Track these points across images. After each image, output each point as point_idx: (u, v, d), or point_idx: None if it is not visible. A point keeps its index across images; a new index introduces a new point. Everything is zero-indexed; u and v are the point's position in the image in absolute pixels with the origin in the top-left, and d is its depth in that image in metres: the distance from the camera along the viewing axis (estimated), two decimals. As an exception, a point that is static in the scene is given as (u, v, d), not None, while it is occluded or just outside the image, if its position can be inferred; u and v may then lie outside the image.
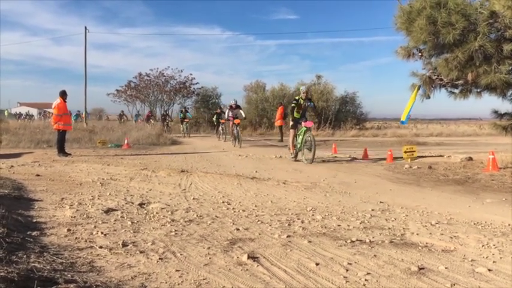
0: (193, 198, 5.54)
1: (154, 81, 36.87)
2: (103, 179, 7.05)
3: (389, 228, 4.11)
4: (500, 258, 3.22)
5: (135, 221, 4.23)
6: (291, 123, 11.16)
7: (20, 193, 5.44)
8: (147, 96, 37.42)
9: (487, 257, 3.24)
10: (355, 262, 3.09)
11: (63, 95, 11.84)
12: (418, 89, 9.07)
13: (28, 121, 35.81)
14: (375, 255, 3.25)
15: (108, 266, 2.91)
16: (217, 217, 4.50)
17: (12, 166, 8.60)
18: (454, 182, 7.22)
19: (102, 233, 3.74)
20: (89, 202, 5.09)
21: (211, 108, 33.81)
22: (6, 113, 51.02)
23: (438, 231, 4.00)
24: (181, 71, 36.91)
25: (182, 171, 8.21)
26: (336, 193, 6.19)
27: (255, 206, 5.14)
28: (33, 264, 2.70)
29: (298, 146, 10.80)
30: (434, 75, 8.55)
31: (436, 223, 4.33)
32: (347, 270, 2.91)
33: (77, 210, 4.62)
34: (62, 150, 11.44)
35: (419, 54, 8.52)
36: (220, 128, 20.91)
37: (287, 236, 3.75)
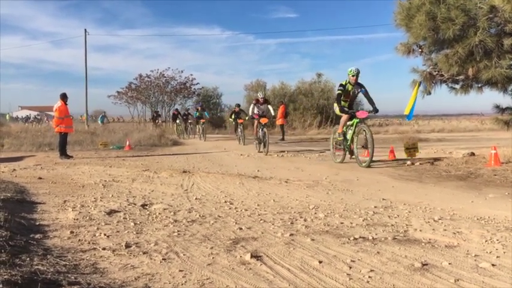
0: (196, 199, 5.55)
1: (155, 83, 36.83)
2: (105, 180, 7.05)
3: (392, 225, 4.10)
4: (504, 253, 3.21)
5: (138, 222, 4.23)
6: (340, 114, 9.20)
7: (22, 196, 5.45)
8: (148, 97, 37.40)
9: (490, 252, 3.23)
10: (359, 259, 3.09)
11: (64, 97, 11.86)
12: (419, 85, 9.05)
13: (37, 124, 35.37)
14: (378, 252, 3.25)
15: (112, 268, 2.91)
16: (219, 217, 4.50)
17: (14, 169, 8.62)
18: (457, 178, 7.20)
19: (105, 234, 3.74)
20: (92, 204, 5.09)
21: (211, 108, 33.80)
22: (7, 117, 51.10)
23: (441, 227, 4.00)
24: (182, 72, 36.88)
25: (184, 171, 8.22)
26: (338, 191, 6.19)
27: (258, 205, 5.14)
28: (37, 266, 2.70)
29: (347, 144, 9.09)
30: (435, 71, 8.54)
31: (439, 219, 4.32)
32: (350, 268, 2.91)
33: (80, 212, 4.63)
34: (63, 153, 11.46)
35: (420, 50, 8.51)
36: (238, 130, 17.75)
37: (290, 235, 3.75)
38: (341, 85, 8.98)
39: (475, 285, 2.59)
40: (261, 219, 4.37)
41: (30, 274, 2.52)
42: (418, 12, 7.35)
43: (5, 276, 2.36)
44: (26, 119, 48.87)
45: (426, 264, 2.96)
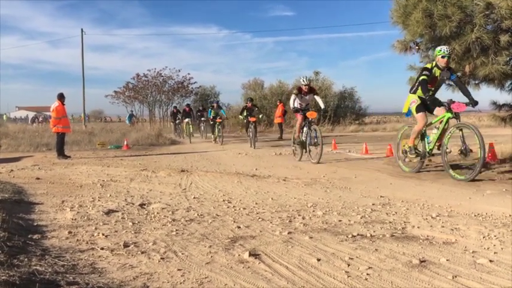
0: (194, 198, 5.54)
1: (152, 82, 36.85)
2: (103, 180, 7.05)
3: (390, 222, 4.11)
4: (502, 249, 3.22)
5: (136, 222, 4.23)
6: (418, 103, 7.12)
7: (20, 197, 5.44)
8: (145, 96, 37.40)
9: (488, 248, 3.24)
10: (357, 257, 3.09)
11: (61, 97, 11.85)
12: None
13: (46, 125, 34.71)
14: (376, 250, 3.25)
15: (110, 267, 2.91)
16: (218, 215, 4.50)
17: (12, 170, 8.60)
18: (454, 175, 7.20)
19: (103, 234, 3.74)
20: (90, 204, 5.09)
21: (208, 107, 33.79)
22: (4, 117, 50.92)
23: (439, 224, 4.01)
24: (179, 71, 37.05)
25: (182, 170, 8.21)
26: (336, 188, 6.19)
27: (256, 203, 5.14)
28: (35, 267, 2.70)
29: (430, 146, 7.19)
30: (432, 68, 8.52)
31: (437, 216, 4.33)
32: (348, 265, 2.92)
33: (78, 212, 4.62)
34: (61, 153, 11.45)
35: (417, 47, 8.50)
36: (250, 130, 15.16)
37: (288, 233, 3.75)
38: (426, 69, 6.99)
39: (473, 282, 2.60)
40: (259, 218, 4.37)
41: (28, 275, 2.52)
42: (415, 9, 7.35)
43: (3, 277, 2.35)
44: (34, 119, 47.78)
45: (424, 261, 2.96)
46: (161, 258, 3.09)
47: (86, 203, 5.13)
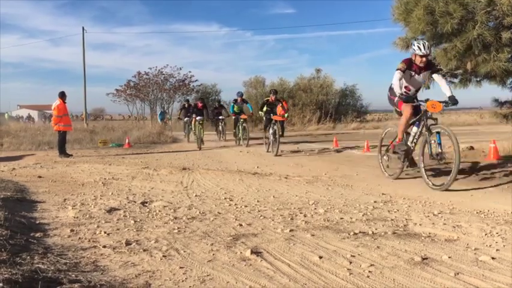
0: (196, 196, 5.55)
1: (154, 80, 36.81)
2: (105, 178, 7.05)
3: (392, 220, 4.11)
4: (504, 246, 3.22)
5: (138, 220, 4.23)
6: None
7: (22, 195, 5.45)
8: (146, 95, 37.38)
9: (490, 246, 3.24)
10: (359, 254, 3.10)
11: (63, 96, 11.85)
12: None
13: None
14: (378, 247, 3.25)
15: (112, 265, 2.91)
16: (219, 213, 4.51)
17: (14, 168, 8.61)
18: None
19: (105, 232, 3.74)
20: (92, 202, 5.10)
21: (211, 105, 33.77)
22: (6, 116, 50.96)
23: (441, 221, 4.00)
24: (180, 69, 36.81)
25: (184, 168, 8.22)
26: (338, 186, 6.19)
27: (257, 201, 5.15)
28: (37, 265, 2.71)
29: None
30: (434, 66, 8.50)
31: (439, 213, 4.33)
32: (350, 263, 2.92)
33: (80, 210, 4.63)
34: (63, 151, 11.46)
35: (418, 44, 8.47)
36: (271, 130, 11.56)
37: (290, 230, 3.76)
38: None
39: (475, 279, 2.59)
40: (261, 216, 4.37)
41: (31, 273, 2.53)
42: (416, 6, 7.33)
43: (5, 275, 2.36)
44: (44, 117, 47.25)
45: (426, 258, 2.96)
46: (163, 256, 3.10)
47: (87, 201, 5.14)
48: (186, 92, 36.75)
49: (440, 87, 6.33)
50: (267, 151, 11.19)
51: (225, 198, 5.32)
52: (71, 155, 11.43)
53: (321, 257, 3.03)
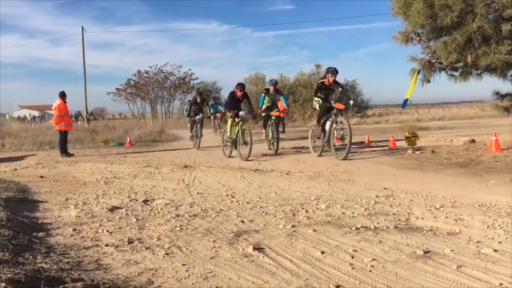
0: (197, 193, 5.55)
1: (154, 78, 36.86)
2: (107, 177, 7.06)
3: (393, 214, 4.11)
4: (506, 238, 3.22)
5: (140, 218, 4.24)
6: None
7: (24, 195, 5.46)
8: (147, 93, 37.42)
9: (492, 238, 3.24)
10: (361, 249, 3.10)
11: (63, 96, 11.84)
12: (418, 73, 9.01)
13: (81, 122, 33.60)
14: (380, 241, 3.25)
15: (115, 263, 2.92)
16: (221, 210, 4.51)
17: (15, 169, 8.63)
18: (458, 165, 7.20)
19: (107, 231, 3.75)
20: (94, 201, 5.11)
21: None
22: (7, 117, 51.02)
23: (443, 215, 4.00)
24: (180, 67, 36.86)
25: (185, 166, 8.22)
26: (339, 181, 6.19)
27: (259, 197, 5.15)
28: (40, 264, 2.71)
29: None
30: (434, 59, 8.49)
31: (441, 206, 4.33)
32: (353, 257, 2.92)
33: (82, 209, 4.64)
34: (64, 151, 11.46)
35: (418, 38, 8.46)
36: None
37: (292, 226, 3.76)
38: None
39: (478, 271, 2.59)
40: (262, 212, 4.37)
41: (34, 272, 2.53)
42: (415, 0, 7.31)
43: (8, 275, 2.36)
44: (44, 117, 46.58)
45: (428, 252, 2.96)
46: (165, 254, 3.10)
47: (89, 200, 5.15)
48: (186, 90, 36.78)
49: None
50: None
51: (227, 195, 5.32)
52: (73, 155, 11.44)
53: (323, 252, 3.03)
